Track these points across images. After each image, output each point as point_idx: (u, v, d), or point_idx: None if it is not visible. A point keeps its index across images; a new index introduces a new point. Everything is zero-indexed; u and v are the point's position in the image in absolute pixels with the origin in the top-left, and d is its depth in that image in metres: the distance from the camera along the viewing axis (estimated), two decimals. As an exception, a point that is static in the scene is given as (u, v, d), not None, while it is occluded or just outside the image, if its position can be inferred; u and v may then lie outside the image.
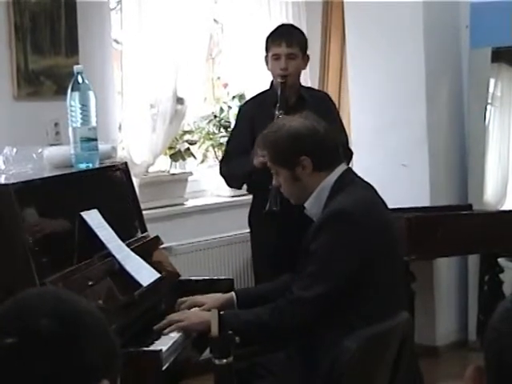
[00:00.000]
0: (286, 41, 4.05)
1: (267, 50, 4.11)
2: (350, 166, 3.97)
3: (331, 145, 2.88)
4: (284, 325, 2.71)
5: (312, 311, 2.69)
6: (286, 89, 4.01)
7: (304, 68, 4.21)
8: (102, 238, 2.90)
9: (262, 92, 4.27)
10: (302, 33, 4.23)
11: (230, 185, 4.29)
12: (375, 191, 2.91)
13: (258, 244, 4.21)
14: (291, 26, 4.37)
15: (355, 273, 2.68)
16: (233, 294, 3.05)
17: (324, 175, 2.83)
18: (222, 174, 4.19)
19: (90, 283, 2.71)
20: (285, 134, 2.84)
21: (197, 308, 3.01)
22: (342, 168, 2.87)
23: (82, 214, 2.89)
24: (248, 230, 4.28)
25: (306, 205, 2.89)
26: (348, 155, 4.07)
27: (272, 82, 4.17)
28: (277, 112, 3.91)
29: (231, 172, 4.11)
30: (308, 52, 4.16)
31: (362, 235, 2.70)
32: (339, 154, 2.92)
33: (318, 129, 2.84)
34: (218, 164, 4.33)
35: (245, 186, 4.32)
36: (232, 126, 5.32)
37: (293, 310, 2.70)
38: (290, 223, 3.88)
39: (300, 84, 4.21)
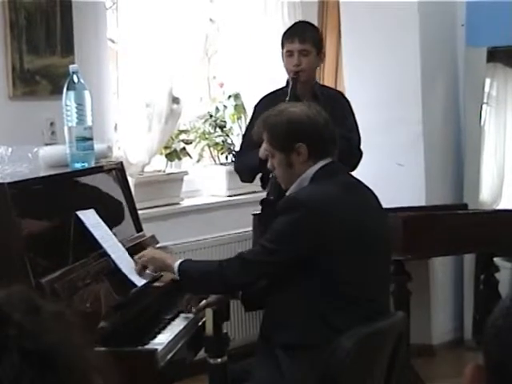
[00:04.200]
0: (298, 37, 4.09)
1: (282, 46, 4.16)
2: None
3: (329, 136, 2.90)
4: (226, 277, 2.83)
5: (249, 273, 2.82)
6: (298, 84, 4.02)
7: (318, 65, 4.25)
8: (98, 238, 2.90)
9: (277, 89, 4.26)
10: (316, 30, 4.31)
11: (242, 179, 4.28)
12: (360, 190, 2.92)
13: None
14: (306, 22, 4.41)
15: (302, 256, 2.74)
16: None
17: (313, 165, 2.86)
18: (235, 169, 4.27)
19: (86, 283, 2.71)
20: (284, 118, 2.89)
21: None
22: (325, 161, 2.88)
23: (77, 213, 2.89)
24: (244, 230, 4.26)
25: (287, 193, 2.93)
26: (357, 155, 4.10)
27: (288, 80, 4.17)
28: None
29: (241, 166, 4.15)
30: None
31: (311, 223, 2.74)
32: (334, 146, 2.93)
33: (318, 119, 2.88)
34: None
35: (260, 183, 4.29)
36: (227, 125, 5.35)
37: (235, 266, 2.83)
38: None
39: (315, 81, 4.22)
